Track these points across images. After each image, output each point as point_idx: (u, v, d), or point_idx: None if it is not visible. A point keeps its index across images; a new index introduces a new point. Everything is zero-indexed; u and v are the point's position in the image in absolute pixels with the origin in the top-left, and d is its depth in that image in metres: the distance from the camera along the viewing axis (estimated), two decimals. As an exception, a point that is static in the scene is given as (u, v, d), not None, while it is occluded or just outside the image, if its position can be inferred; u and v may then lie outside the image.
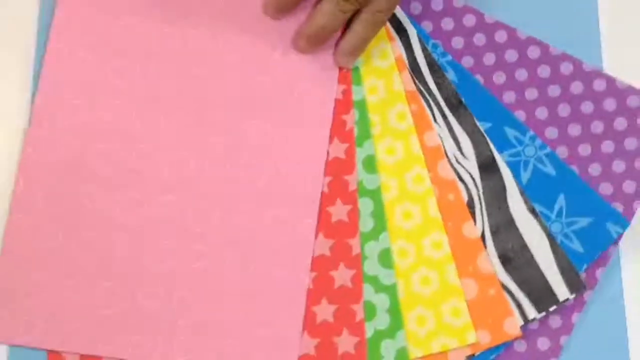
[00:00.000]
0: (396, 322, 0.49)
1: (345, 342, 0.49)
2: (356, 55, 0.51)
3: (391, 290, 0.49)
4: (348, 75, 0.52)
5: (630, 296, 0.50)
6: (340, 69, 0.52)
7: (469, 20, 0.53)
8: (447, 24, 0.53)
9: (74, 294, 0.49)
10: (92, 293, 0.49)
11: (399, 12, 0.53)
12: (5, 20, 0.52)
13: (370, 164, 0.51)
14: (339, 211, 0.50)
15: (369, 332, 0.49)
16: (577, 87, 0.52)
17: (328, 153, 0.51)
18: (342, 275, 0.50)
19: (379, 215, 0.50)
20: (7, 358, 0.49)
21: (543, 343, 0.49)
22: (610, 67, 0.53)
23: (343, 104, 0.52)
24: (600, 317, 0.50)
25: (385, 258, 0.50)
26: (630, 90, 0.52)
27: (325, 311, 0.49)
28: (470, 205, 0.51)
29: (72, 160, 0.50)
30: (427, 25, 0.53)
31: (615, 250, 0.50)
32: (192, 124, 0.51)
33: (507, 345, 0.49)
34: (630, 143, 0.51)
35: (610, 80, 0.52)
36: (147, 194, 0.50)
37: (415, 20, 0.53)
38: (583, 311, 0.49)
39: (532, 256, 0.50)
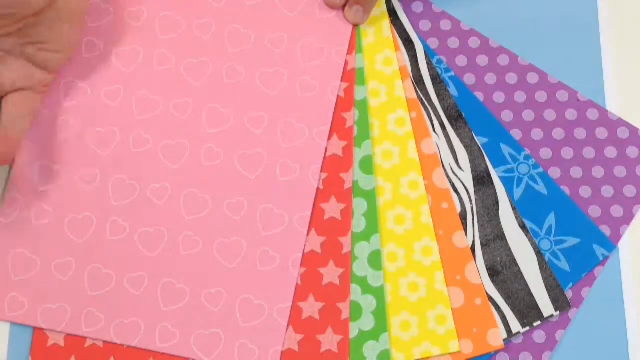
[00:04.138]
0: (381, 324, 0.44)
1: (329, 340, 0.44)
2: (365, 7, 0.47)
3: (378, 293, 0.45)
4: (352, 74, 0.48)
5: (630, 296, 0.46)
6: (345, 66, 0.48)
7: (474, 43, 0.50)
8: (453, 43, 0.50)
9: (61, 274, 0.44)
10: (79, 274, 0.44)
11: (408, 27, 0.50)
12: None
13: (367, 165, 0.47)
14: (332, 209, 0.46)
15: (353, 333, 0.44)
16: (571, 114, 0.49)
17: (326, 149, 0.47)
18: (330, 273, 0.45)
19: (372, 217, 0.46)
20: (8, 335, 0.45)
21: (526, 358, 0.45)
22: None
23: (345, 102, 0.48)
24: (600, 317, 0.46)
25: (375, 260, 0.45)
26: (621, 122, 0.49)
27: (311, 307, 0.44)
28: (463, 216, 0.47)
29: (69, 142, 0.47)
30: (434, 42, 0.50)
31: (601, 270, 0.46)
32: (191, 112, 0.47)
33: (489, 356, 0.45)
34: (619, 171, 0.48)
35: (603, 111, 0.49)
36: (141, 180, 0.46)
37: (423, 37, 0.50)
38: (582, 311, 0.46)
39: (519, 271, 0.46)
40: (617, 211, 0.47)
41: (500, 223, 0.46)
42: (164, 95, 0.48)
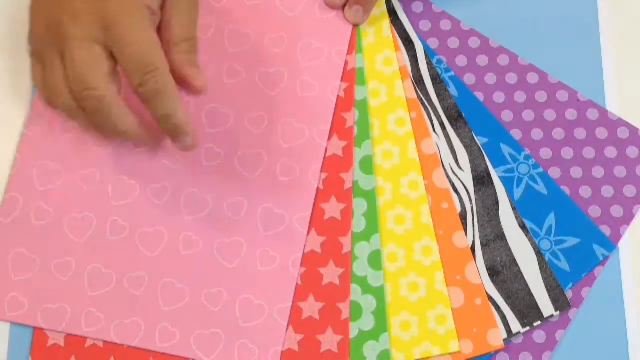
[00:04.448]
0: (381, 324, 0.44)
1: (329, 340, 0.44)
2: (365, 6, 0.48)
3: (378, 293, 0.45)
4: (352, 74, 0.48)
5: (630, 296, 0.46)
6: (345, 66, 0.48)
7: (474, 43, 0.50)
8: (453, 43, 0.50)
9: (61, 274, 0.44)
10: (79, 274, 0.44)
11: (408, 27, 0.50)
12: (5, 17, 0.49)
13: (367, 165, 0.47)
14: (332, 209, 0.46)
15: (353, 333, 0.44)
16: (571, 114, 0.49)
17: (326, 149, 0.47)
18: (330, 273, 0.45)
19: (372, 217, 0.46)
20: (8, 335, 0.44)
21: (526, 358, 0.45)
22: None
23: (345, 102, 0.47)
24: (600, 317, 0.45)
25: (375, 260, 0.45)
26: (621, 122, 0.49)
27: (311, 308, 0.44)
28: (463, 216, 0.46)
29: (69, 142, 0.46)
30: (434, 42, 0.50)
31: (601, 270, 0.46)
32: (191, 113, 0.47)
33: (489, 356, 0.44)
34: (619, 171, 0.48)
35: (603, 111, 0.49)
36: (141, 180, 0.46)
37: (423, 37, 0.50)
38: (582, 311, 0.45)
39: (519, 271, 0.46)
40: (617, 211, 0.47)
41: (500, 223, 0.46)
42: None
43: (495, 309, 0.45)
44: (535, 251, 0.46)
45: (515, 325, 0.45)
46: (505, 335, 0.44)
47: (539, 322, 0.45)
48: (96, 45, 0.40)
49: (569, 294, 0.46)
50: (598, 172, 0.48)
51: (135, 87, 0.41)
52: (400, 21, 0.50)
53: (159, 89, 0.40)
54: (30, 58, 0.43)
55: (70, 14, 0.40)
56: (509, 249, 0.46)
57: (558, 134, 0.49)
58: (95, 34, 0.40)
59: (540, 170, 0.48)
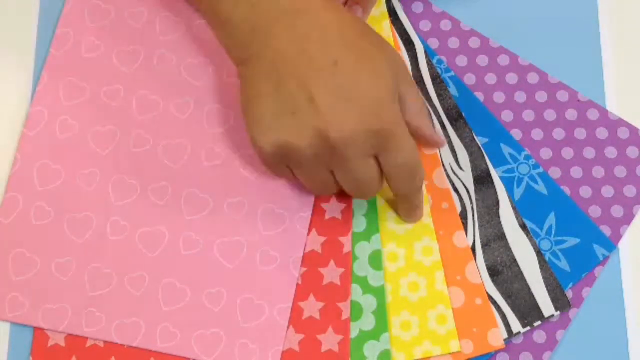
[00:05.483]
0: (381, 324, 0.44)
1: (330, 340, 0.44)
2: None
3: (379, 293, 0.45)
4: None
5: (630, 296, 0.46)
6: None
7: (474, 43, 0.50)
8: (453, 43, 0.50)
9: (62, 274, 0.44)
10: (80, 274, 0.44)
11: (408, 27, 0.50)
12: (5, 17, 0.49)
13: (369, 165, 0.47)
14: (332, 208, 0.46)
15: (353, 332, 0.44)
16: (571, 114, 0.49)
17: (328, 150, 0.47)
18: (331, 273, 0.45)
19: (372, 216, 0.46)
20: (8, 335, 0.44)
21: (526, 357, 0.45)
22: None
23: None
24: (600, 317, 0.45)
25: (376, 260, 0.45)
26: (621, 122, 0.49)
27: (311, 307, 0.44)
28: (463, 216, 0.47)
29: (69, 142, 0.46)
30: (434, 42, 0.50)
31: (601, 270, 0.46)
32: (191, 112, 0.47)
33: (490, 356, 0.45)
34: (619, 171, 0.48)
35: (603, 111, 0.49)
36: (142, 179, 0.46)
37: (423, 37, 0.50)
38: (582, 311, 0.45)
39: (520, 271, 0.46)
40: (617, 211, 0.47)
41: (500, 223, 0.46)
42: (164, 95, 0.47)
43: (496, 308, 0.45)
44: (535, 251, 0.46)
45: (516, 325, 0.45)
46: (505, 335, 0.45)
47: (539, 322, 0.45)
48: (370, 159, 0.40)
49: (569, 293, 0.46)
50: (598, 172, 0.48)
51: (397, 190, 0.42)
52: (400, 21, 0.50)
53: (419, 186, 0.43)
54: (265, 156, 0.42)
55: (340, 131, 0.39)
56: (509, 249, 0.46)
57: (558, 134, 0.49)
58: (370, 149, 0.40)
59: (540, 170, 0.48)
